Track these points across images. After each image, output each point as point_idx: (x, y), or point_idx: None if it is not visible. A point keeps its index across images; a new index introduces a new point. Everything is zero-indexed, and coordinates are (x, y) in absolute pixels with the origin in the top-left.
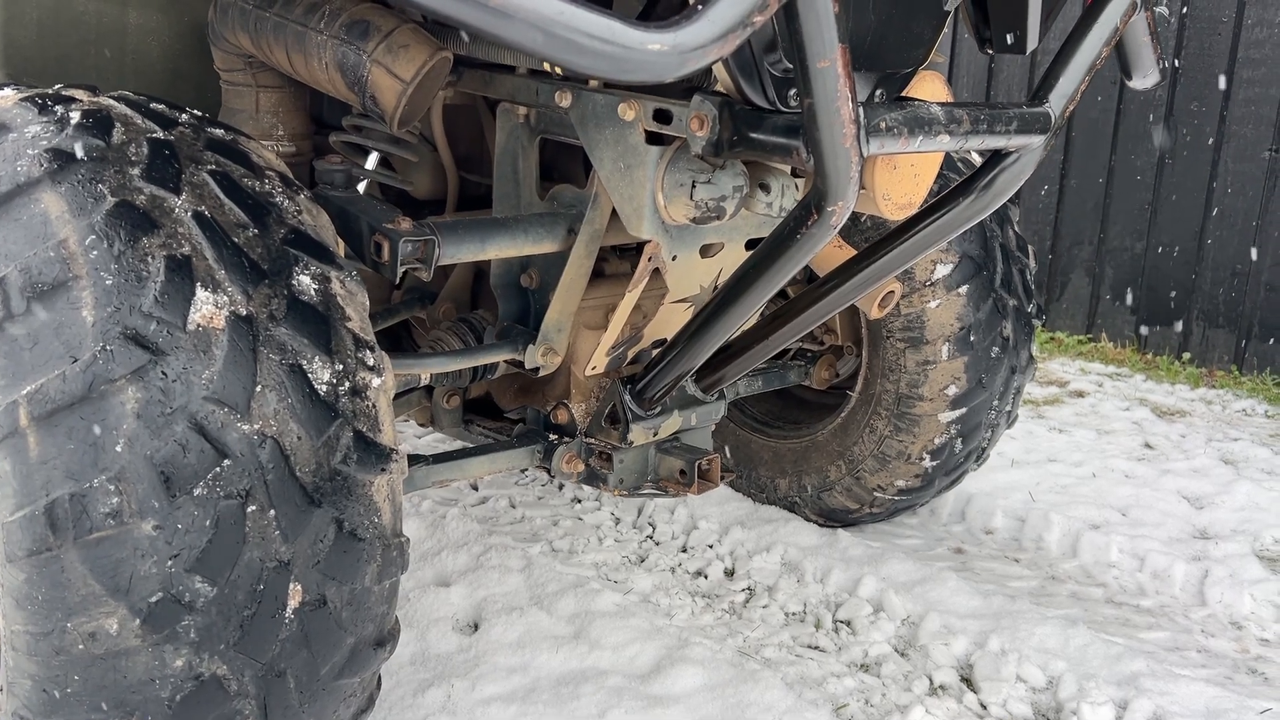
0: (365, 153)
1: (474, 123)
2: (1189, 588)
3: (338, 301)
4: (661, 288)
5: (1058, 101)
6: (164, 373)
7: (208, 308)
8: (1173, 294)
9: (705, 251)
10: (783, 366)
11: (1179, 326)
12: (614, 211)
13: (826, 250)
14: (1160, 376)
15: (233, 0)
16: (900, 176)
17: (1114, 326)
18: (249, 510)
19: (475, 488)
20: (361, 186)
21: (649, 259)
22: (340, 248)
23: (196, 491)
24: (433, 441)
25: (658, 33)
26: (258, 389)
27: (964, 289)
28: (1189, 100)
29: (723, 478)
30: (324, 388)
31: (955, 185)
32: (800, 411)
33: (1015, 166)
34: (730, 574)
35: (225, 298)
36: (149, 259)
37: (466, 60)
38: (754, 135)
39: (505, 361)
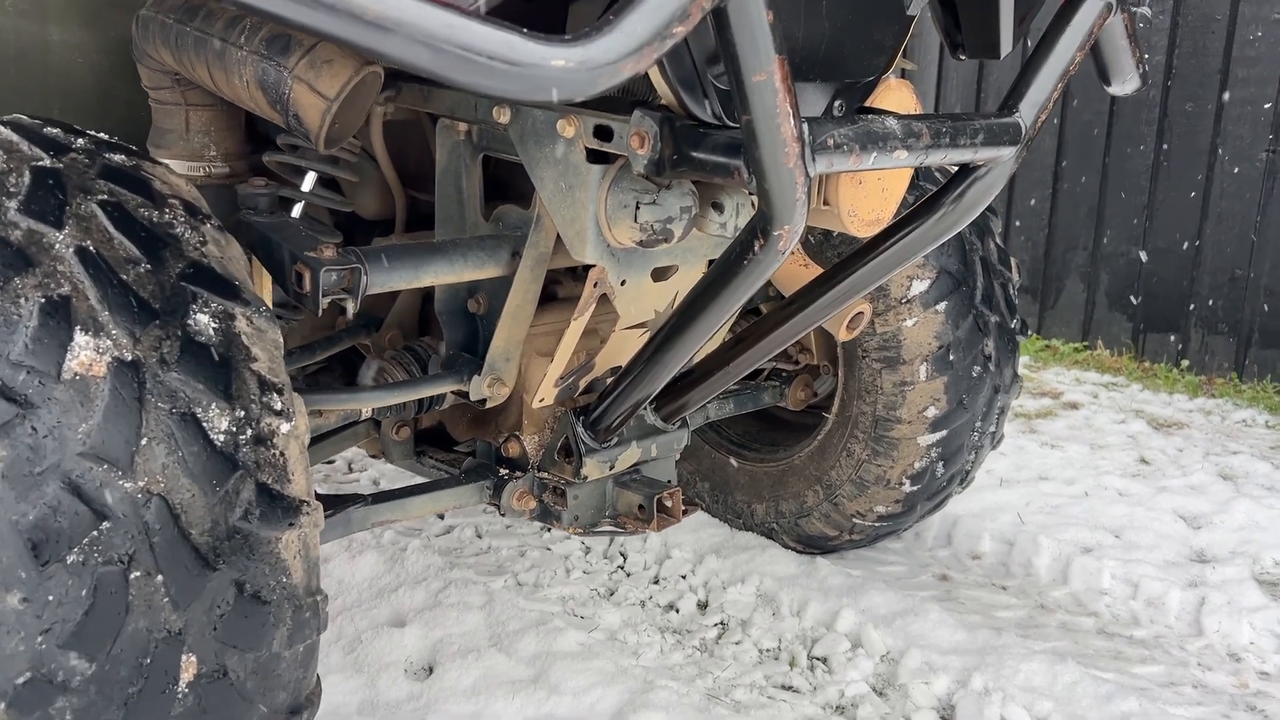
0: (303, 173)
1: (420, 139)
2: (1185, 616)
3: (241, 341)
4: (614, 313)
5: (1029, 111)
6: (34, 428)
7: (87, 353)
8: (1170, 300)
9: (659, 275)
10: (756, 387)
11: (1177, 333)
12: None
13: (791, 269)
14: (1158, 385)
15: (153, 15)
16: (867, 191)
17: (1110, 334)
18: (132, 577)
19: (441, 516)
20: (298, 209)
21: (594, 284)
22: (265, 283)
23: (70, 558)
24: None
25: (563, 47)
26: (143, 442)
27: (942, 306)
28: (1183, 101)
29: (685, 512)
30: (221, 437)
31: (923, 200)
32: (778, 432)
33: (985, 180)
34: (703, 607)
35: (108, 341)
36: (21, 301)
37: (402, 74)
38: (695, 154)
39: (452, 393)
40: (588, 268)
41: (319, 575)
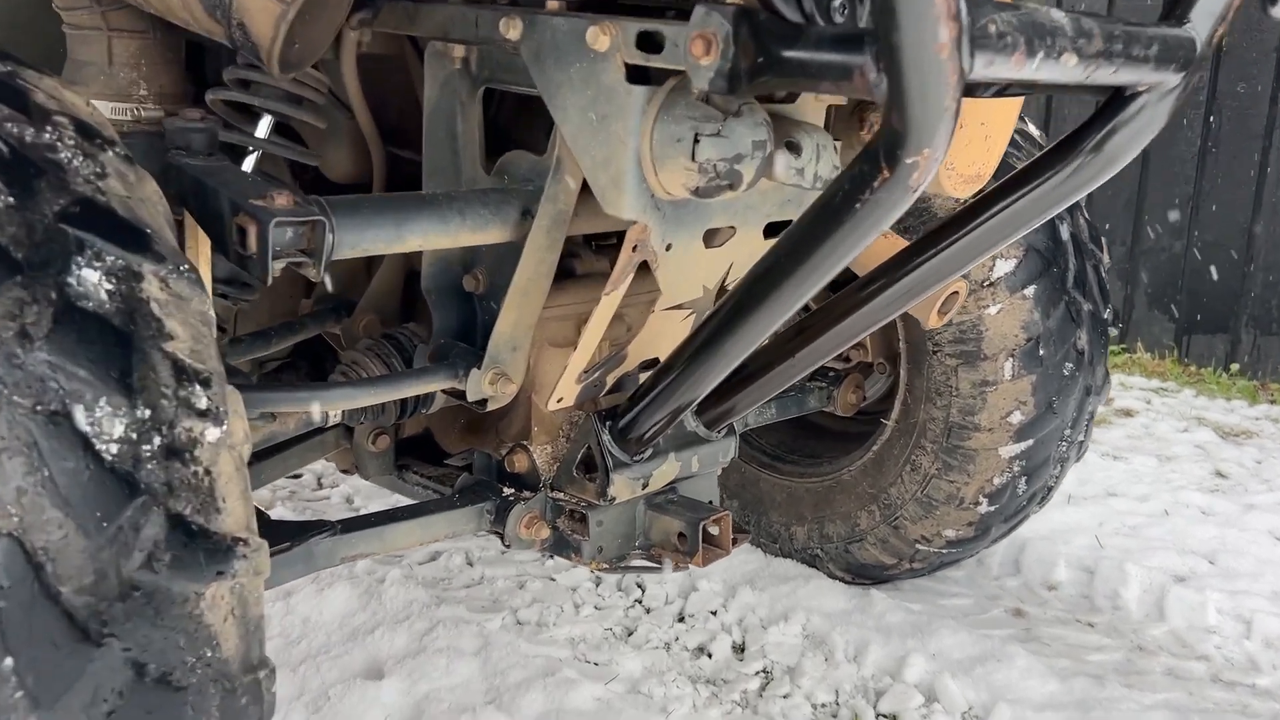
0: (256, 117)
1: (403, 82)
2: None
3: (149, 311)
4: (651, 290)
5: (1202, 22)
6: None
7: None
8: (1218, 299)
9: (710, 239)
10: (801, 389)
11: (1226, 334)
12: (585, 186)
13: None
14: (1211, 391)
15: None
16: (967, 138)
17: (1151, 335)
18: None
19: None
20: (250, 163)
21: (633, 248)
22: (202, 248)
23: None
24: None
25: None
26: None
27: (1030, 290)
28: (1234, 81)
29: (735, 542)
30: (114, 448)
31: (1052, 145)
32: (819, 442)
33: (1141, 117)
34: (740, 650)
35: None
36: None
37: None
38: (791, 55)
39: (443, 392)
40: (620, 234)
41: (263, 639)
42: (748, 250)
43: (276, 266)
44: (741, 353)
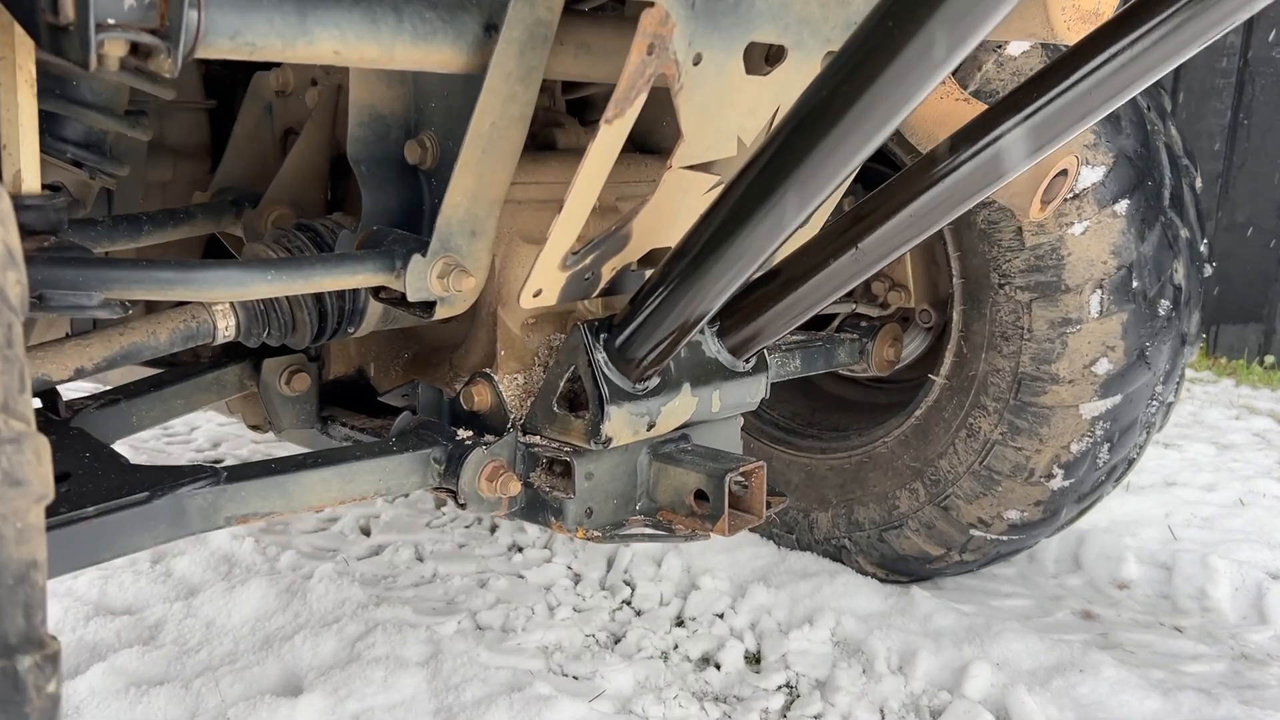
0: None
1: None
2: None
3: None
4: (667, 147)
5: None
6: None
7: None
8: (1249, 285)
9: (753, 60)
10: (830, 340)
11: (1259, 324)
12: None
13: (939, 106)
14: (1254, 381)
15: None
16: None
17: None
18: None
19: (366, 532)
20: None
21: (648, 48)
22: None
23: None
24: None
25: None
26: None
27: (1122, 206)
28: (1269, 46)
29: (769, 505)
30: None
31: None
32: (842, 413)
33: None
34: (755, 661)
35: None
36: None
37: None
38: None
39: (377, 298)
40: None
41: (34, 604)
42: (798, 88)
43: (106, 49)
44: (775, 239)
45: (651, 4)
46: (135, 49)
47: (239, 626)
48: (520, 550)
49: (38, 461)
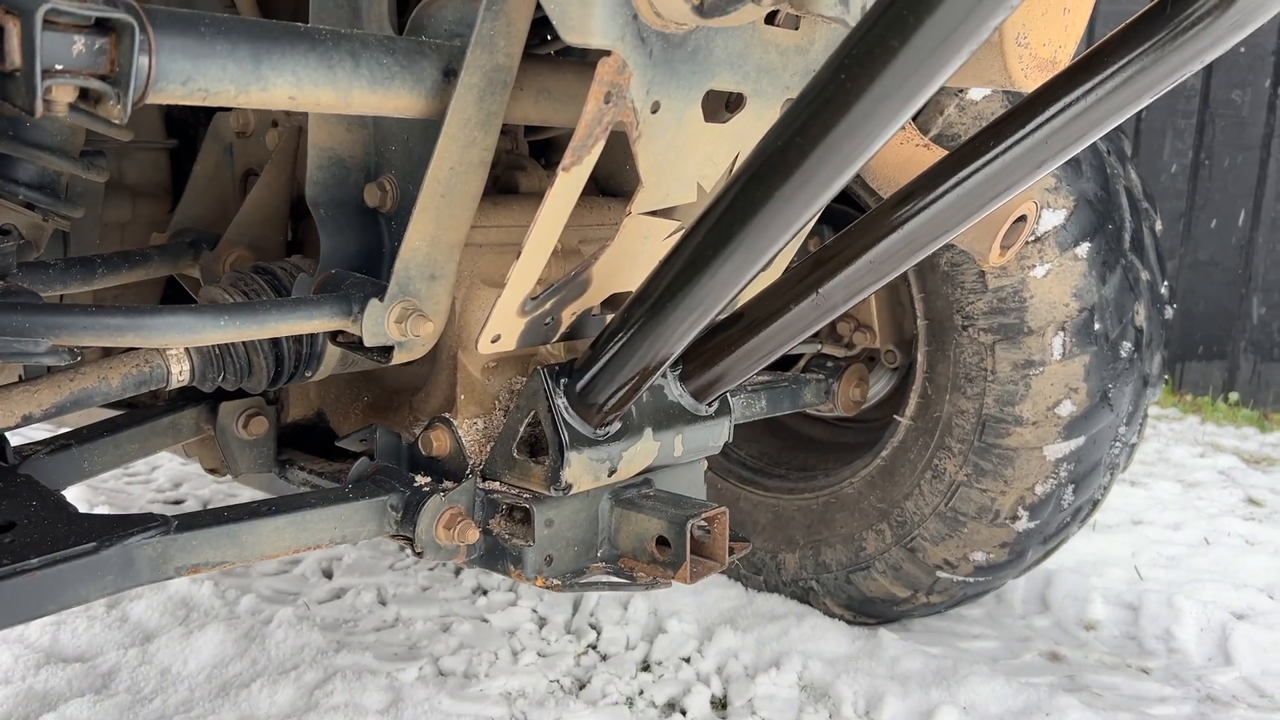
0: None
1: None
2: None
3: None
4: (629, 190)
5: None
6: None
7: None
8: (1213, 322)
9: (712, 108)
10: (795, 380)
11: (1223, 361)
12: (534, 31)
13: (901, 151)
14: (1219, 418)
15: None
16: (1044, 7)
17: None
18: None
19: (329, 575)
20: None
21: (605, 96)
22: None
23: None
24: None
25: None
26: None
27: (1084, 249)
28: (1228, 88)
29: (732, 551)
30: None
31: (1151, 5)
32: (809, 453)
33: None
34: (722, 706)
35: None
36: None
37: None
38: None
39: (335, 342)
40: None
41: None
42: (756, 134)
43: (54, 94)
44: (736, 283)
45: (609, 52)
46: (84, 94)
47: (195, 674)
48: (485, 593)
49: None
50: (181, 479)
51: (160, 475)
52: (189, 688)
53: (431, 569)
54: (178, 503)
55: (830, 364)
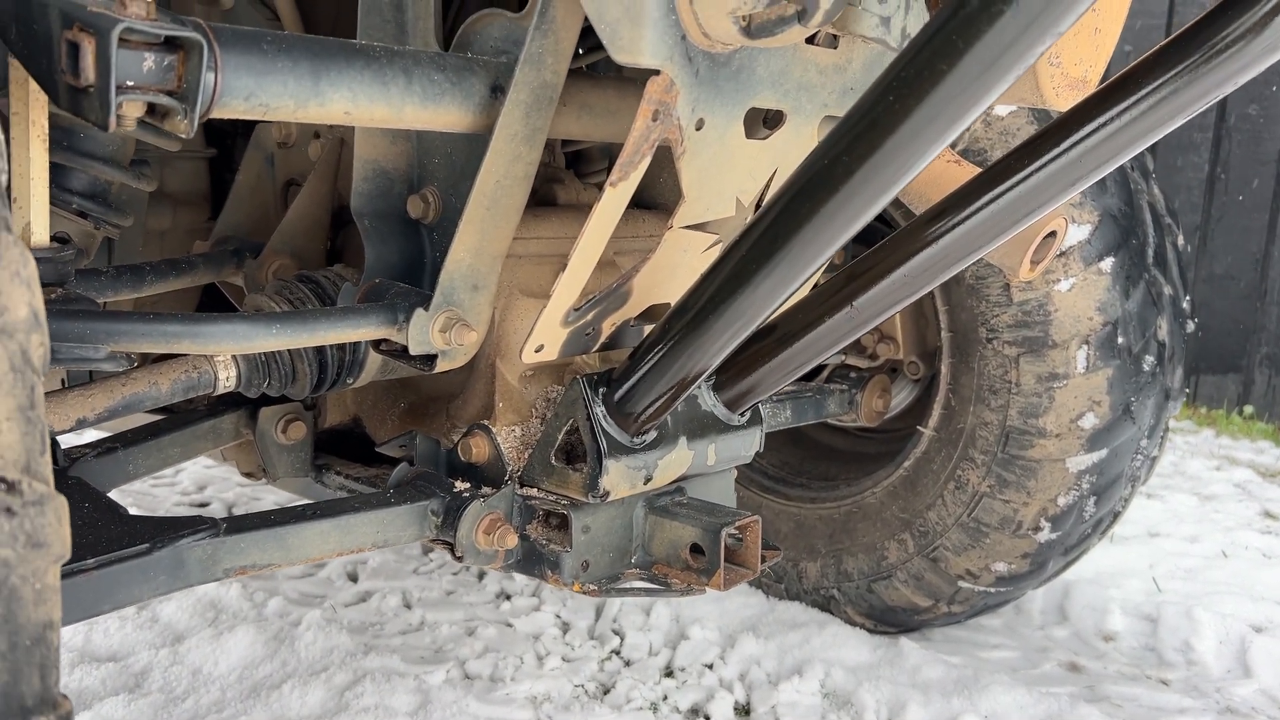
0: None
1: None
2: None
3: None
4: (664, 203)
5: None
6: None
7: None
8: (1229, 335)
9: (752, 124)
10: (820, 391)
11: (1238, 374)
12: (581, 50)
13: (932, 166)
14: (1234, 431)
15: None
16: (1075, 28)
17: None
18: None
19: (354, 578)
20: None
21: (653, 114)
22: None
23: None
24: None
25: None
26: None
27: (1108, 263)
28: (1245, 102)
29: (764, 559)
30: None
31: (1188, 26)
32: (831, 462)
33: None
34: (745, 713)
35: None
36: None
37: None
38: None
39: (378, 350)
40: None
41: (49, 663)
42: (798, 154)
43: (125, 109)
44: (777, 298)
45: (658, 72)
46: (152, 109)
47: (226, 674)
48: (508, 598)
49: (58, 523)
50: (206, 482)
51: (185, 478)
52: (220, 688)
53: (455, 573)
54: (203, 505)
55: (854, 375)
